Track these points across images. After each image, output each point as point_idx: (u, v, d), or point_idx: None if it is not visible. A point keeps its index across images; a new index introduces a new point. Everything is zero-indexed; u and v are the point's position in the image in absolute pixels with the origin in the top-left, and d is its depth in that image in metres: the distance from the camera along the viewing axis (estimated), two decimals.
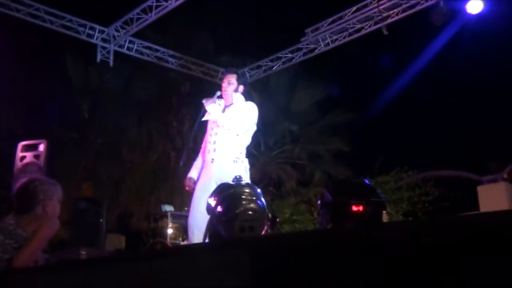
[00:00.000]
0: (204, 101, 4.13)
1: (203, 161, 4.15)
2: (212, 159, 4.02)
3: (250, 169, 4.21)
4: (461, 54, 11.03)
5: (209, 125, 4.24)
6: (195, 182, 4.14)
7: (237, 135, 4.04)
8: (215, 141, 4.06)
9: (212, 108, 4.09)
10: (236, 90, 4.27)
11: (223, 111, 4.19)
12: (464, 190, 8.87)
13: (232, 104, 4.22)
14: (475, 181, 8.93)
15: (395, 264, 1.60)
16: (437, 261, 1.52)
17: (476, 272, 1.46)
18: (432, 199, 9.73)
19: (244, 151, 4.14)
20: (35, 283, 2.68)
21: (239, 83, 4.29)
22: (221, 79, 4.38)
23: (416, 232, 1.62)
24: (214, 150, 4.04)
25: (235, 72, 4.40)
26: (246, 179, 3.95)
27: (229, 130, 4.02)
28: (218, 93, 4.24)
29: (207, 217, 3.79)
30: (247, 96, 4.43)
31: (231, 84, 4.24)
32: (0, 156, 8.66)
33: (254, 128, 4.24)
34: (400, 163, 10.68)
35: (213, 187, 3.81)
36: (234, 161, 3.98)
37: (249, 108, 4.21)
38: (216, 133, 4.09)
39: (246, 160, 4.11)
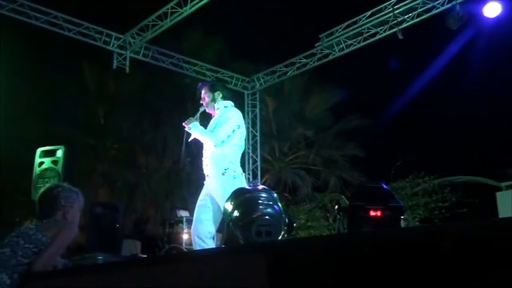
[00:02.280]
0: (184, 124, 4.23)
1: None
2: (207, 175, 4.11)
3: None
4: (478, 58, 10.94)
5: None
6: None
7: (215, 146, 4.04)
8: (206, 157, 4.14)
9: (193, 128, 4.15)
10: (214, 100, 4.30)
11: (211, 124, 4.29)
12: (482, 196, 8.76)
13: (215, 114, 4.29)
14: (493, 187, 8.84)
15: (413, 269, 1.59)
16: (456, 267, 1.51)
17: (496, 276, 1.44)
18: (449, 205, 9.61)
19: (235, 160, 4.10)
20: (54, 286, 2.71)
21: (212, 91, 4.32)
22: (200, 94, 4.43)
23: (436, 238, 1.61)
24: (206, 165, 4.12)
25: (207, 84, 4.49)
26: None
27: (210, 143, 4.07)
28: (201, 109, 4.33)
29: (203, 225, 3.95)
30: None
31: (206, 98, 4.32)
32: (19, 162, 8.78)
33: (240, 131, 4.18)
34: (416, 169, 10.59)
35: (207, 201, 4.01)
36: (222, 174, 3.98)
37: (224, 116, 4.20)
38: (206, 149, 4.17)
39: (238, 169, 4.07)
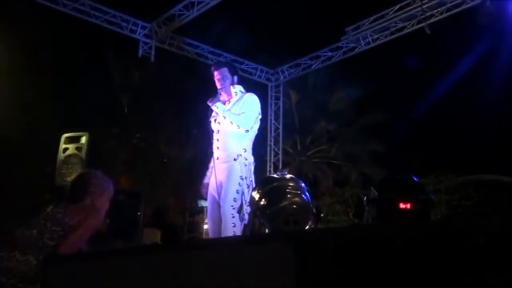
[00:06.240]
0: (209, 102, 4.03)
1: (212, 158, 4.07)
2: (218, 157, 3.97)
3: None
4: (506, 56, 10.71)
5: (212, 124, 4.13)
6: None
7: (246, 130, 3.92)
8: (218, 139, 4.01)
9: (219, 108, 3.99)
10: (232, 83, 4.13)
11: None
12: (508, 197, 8.61)
13: (231, 98, 4.10)
14: None
15: (441, 261, 1.56)
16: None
17: None
18: (472, 204, 9.47)
19: (249, 148, 3.99)
20: (78, 269, 2.73)
21: (232, 74, 4.14)
22: (212, 75, 4.17)
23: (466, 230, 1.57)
24: (218, 148, 3.99)
25: (225, 65, 4.23)
26: (247, 176, 3.84)
27: (239, 128, 3.91)
28: (220, 91, 4.11)
29: (213, 210, 3.87)
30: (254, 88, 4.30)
31: (226, 79, 4.10)
32: (44, 147, 8.89)
33: (259, 119, 4.08)
34: (439, 166, 10.46)
35: (214, 185, 3.88)
36: (234, 159, 3.88)
37: (248, 100, 4.04)
38: (218, 131, 4.03)
39: (250, 157, 3.97)
